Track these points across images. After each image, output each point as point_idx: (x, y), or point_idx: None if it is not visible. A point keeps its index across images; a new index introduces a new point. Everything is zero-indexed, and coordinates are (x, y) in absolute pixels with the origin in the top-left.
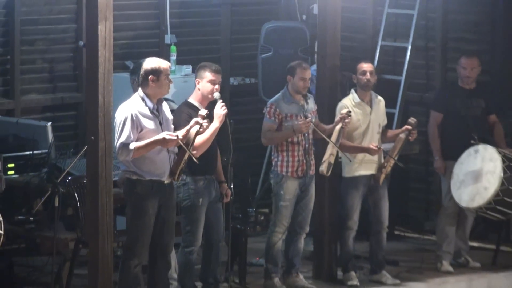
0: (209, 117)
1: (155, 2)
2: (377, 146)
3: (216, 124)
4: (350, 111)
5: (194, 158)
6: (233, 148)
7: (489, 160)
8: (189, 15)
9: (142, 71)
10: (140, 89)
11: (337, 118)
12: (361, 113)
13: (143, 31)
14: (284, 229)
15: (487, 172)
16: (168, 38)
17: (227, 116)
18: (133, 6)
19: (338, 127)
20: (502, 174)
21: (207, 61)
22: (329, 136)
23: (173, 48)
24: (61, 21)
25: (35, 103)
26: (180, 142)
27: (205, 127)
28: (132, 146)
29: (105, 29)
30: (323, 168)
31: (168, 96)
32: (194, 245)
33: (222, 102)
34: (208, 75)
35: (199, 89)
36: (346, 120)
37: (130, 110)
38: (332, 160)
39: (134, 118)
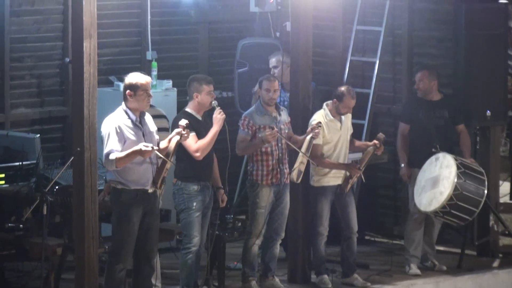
0: (189, 127)
1: (137, 20)
2: (359, 167)
3: (215, 128)
4: (320, 122)
5: (172, 164)
6: (227, 155)
7: (446, 167)
8: (169, 32)
9: (123, 86)
10: (123, 102)
11: (309, 129)
12: (332, 130)
13: (125, 48)
14: (260, 235)
15: (443, 178)
16: (150, 55)
17: (225, 121)
18: (116, 24)
19: (308, 137)
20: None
21: (186, 76)
22: (301, 146)
23: (154, 64)
24: (48, 39)
25: (24, 116)
26: (157, 152)
27: (185, 136)
28: (113, 156)
29: (90, 46)
30: (293, 175)
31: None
32: (190, 247)
33: (220, 108)
34: (205, 87)
35: (198, 102)
36: (316, 131)
37: (114, 123)
38: (302, 168)
39: (118, 130)
